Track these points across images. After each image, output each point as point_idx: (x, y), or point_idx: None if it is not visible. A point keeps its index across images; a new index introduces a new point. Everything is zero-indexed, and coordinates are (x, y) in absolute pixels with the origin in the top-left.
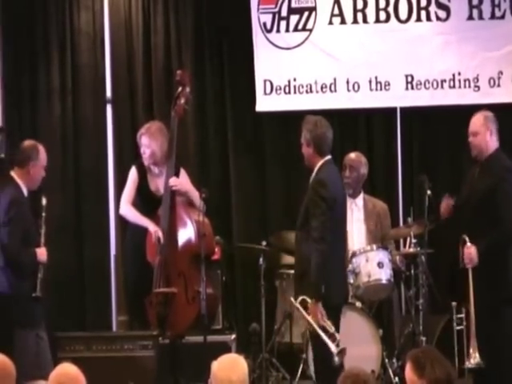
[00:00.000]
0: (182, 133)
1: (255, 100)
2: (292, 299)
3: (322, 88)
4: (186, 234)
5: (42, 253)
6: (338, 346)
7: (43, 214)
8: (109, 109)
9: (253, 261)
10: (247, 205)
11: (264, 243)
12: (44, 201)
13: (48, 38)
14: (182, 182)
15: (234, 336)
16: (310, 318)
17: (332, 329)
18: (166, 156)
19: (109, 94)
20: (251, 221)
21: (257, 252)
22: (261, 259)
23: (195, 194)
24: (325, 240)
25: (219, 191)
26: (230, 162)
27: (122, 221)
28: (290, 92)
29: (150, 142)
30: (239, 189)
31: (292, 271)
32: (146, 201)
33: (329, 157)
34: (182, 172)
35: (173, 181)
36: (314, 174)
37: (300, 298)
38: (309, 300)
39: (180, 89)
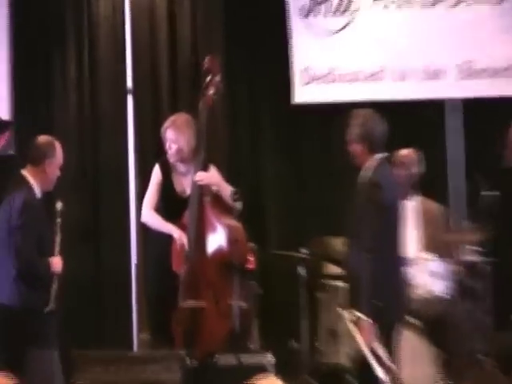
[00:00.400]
0: (210, 127)
1: (292, 91)
2: (342, 313)
3: (366, 77)
4: (216, 239)
5: (56, 262)
6: (389, 373)
7: (58, 220)
8: (129, 100)
9: (291, 270)
10: (283, 207)
11: (304, 250)
12: (59, 205)
13: (64, 25)
14: (209, 176)
15: (271, 358)
16: (360, 338)
17: (384, 353)
18: (193, 152)
19: (129, 84)
20: (288, 225)
21: (296, 260)
22: (300, 268)
23: (226, 191)
24: (378, 249)
25: (252, 192)
26: (264, 160)
27: (144, 226)
28: (330, 82)
29: (176, 137)
30: (274, 189)
31: (335, 282)
32: (170, 203)
33: (382, 154)
34: (212, 169)
35: (198, 175)
36: (365, 172)
37: (351, 313)
38: (361, 316)
39: (209, 77)
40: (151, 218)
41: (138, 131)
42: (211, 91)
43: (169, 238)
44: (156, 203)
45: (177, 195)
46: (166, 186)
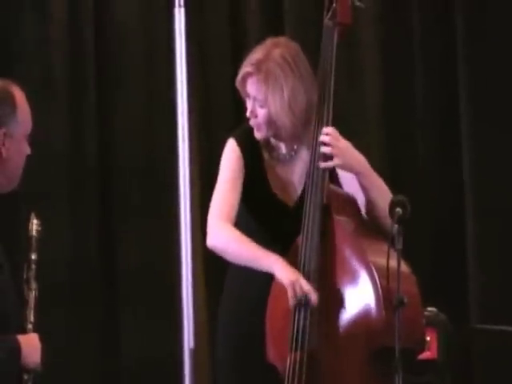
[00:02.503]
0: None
1: None
2: None
3: None
4: (358, 297)
5: (31, 344)
6: None
7: (33, 257)
8: (178, 15)
9: None
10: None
11: None
12: (34, 224)
13: None
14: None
15: None
16: None
17: None
18: (304, 118)
19: None
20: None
21: None
22: None
23: (380, 196)
24: None
25: (441, 202)
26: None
27: (207, 272)
28: None
29: (263, 93)
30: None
31: None
32: (262, 215)
33: None
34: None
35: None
36: None
37: None
38: None
39: None
40: (231, 236)
41: (193, 80)
42: None
43: (262, 287)
44: (235, 211)
45: (275, 199)
46: (254, 181)
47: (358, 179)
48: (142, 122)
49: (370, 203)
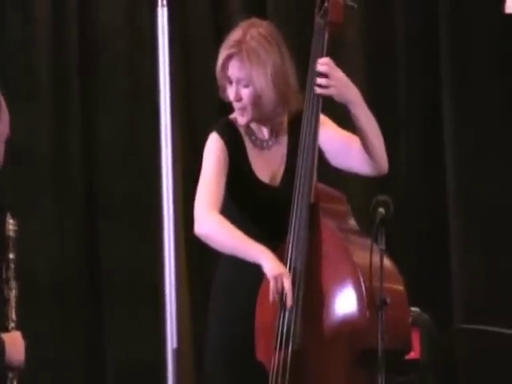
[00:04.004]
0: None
1: None
2: None
3: None
4: (342, 298)
5: (14, 342)
6: None
7: (11, 257)
8: (161, 14)
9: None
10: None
11: None
12: (11, 223)
13: None
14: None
15: None
16: None
17: None
18: (286, 96)
19: None
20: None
21: None
22: None
23: (371, 126)
24: None
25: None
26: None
27: (192, 267)
28: None
29: (249, 70)
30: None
31: None
32: (248, 206)
33: None
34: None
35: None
36: None
37: None
38: None
39: None
40: (219, 224)
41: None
42: None
43: (252, 288)
44: (220, 202)
45: (260, 187)
46: (237, 170)
47: (350, 109)
48: (126, 121)
49: (362, 139)
